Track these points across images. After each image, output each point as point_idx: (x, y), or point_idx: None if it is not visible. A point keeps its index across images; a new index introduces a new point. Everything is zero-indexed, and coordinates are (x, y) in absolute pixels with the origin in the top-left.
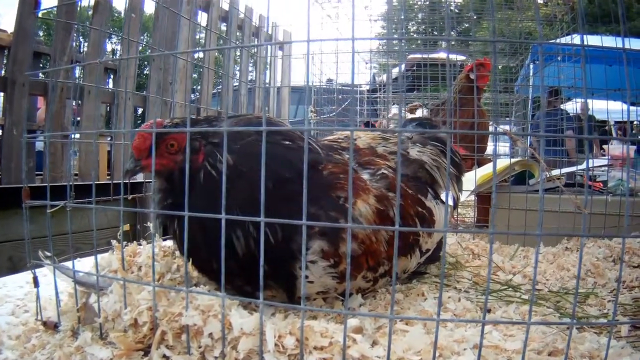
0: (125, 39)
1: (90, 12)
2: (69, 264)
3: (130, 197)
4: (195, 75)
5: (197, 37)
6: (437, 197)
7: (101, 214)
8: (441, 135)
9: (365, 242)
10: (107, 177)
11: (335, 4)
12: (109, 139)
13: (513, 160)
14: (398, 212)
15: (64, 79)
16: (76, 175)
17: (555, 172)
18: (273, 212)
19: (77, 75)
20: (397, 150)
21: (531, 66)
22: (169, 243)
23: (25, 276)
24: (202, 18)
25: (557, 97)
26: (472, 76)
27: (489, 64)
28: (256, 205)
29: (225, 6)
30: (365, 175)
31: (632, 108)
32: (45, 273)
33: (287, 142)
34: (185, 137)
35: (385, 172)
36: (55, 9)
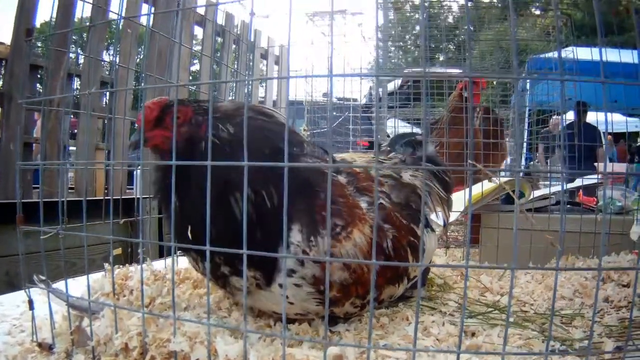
0: (121, 50)
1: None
2: (63, 284)
3: (122, 221)
4: (192, 89)
5: (194, 50)
6: (427, 225)
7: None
8: (431, 154)
9: (356, 272)
10: (105, 190)
11: (328, 21)
12: (106, 152)
13: (503, 179)
14: (374, 246)
15: (60, 94)
16: (72, 189)
17: (545, 191)
18: (269, 176)
19: (74, 86)
20: (391, 174)
21: (528, 81)
22: (160, 267)
23: (22, 295)
24: (198, 32)
25: (585, 111)
26: (465, 94)
27: (483, 81)
28: (254, 169)
29: (221, 20)
30: (363, 204)
31: (629, 119)
32: (40, 291)
33: (282, 122)
34: (190, 110)
35: (382, 202)
36: (52, 19)
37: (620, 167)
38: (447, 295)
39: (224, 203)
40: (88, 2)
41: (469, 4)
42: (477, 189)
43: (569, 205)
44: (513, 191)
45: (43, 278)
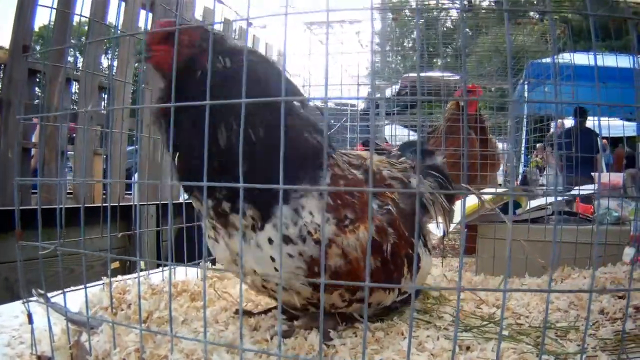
0: (119, 55)
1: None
2: (61, 297)
3: (119, 234)
4: None
5: None
6: (425, 244)
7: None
8: (439, 165)
9: (353, 264)
10: (103, 196)
11: (325, 29)
12: (104, 156)
13: (500, 190)
14: (368, 269)
15: (58, 99)
16: (70, 194)
17: (542, 201)
18: (259, 114)
19: (72, 90)
20: (399, 177)
21: (525, 85)
22: (158, 279)
23: (21, 305)
24: None
25: (584, 117)
26: (461, 102)
27: (479, 89)
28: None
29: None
30: (374, 205)
31: (627, 123)
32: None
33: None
34: (198, 33)
35: (391, 208)
36: (50, 23)
37: (617, 177)
38: (442, 308)
39: (210, 134)
40: (85, 17)
41: (466, 13)
42: (474, 199)
43: (565, 216)
44: (506, 204)
45: (41, 292)
